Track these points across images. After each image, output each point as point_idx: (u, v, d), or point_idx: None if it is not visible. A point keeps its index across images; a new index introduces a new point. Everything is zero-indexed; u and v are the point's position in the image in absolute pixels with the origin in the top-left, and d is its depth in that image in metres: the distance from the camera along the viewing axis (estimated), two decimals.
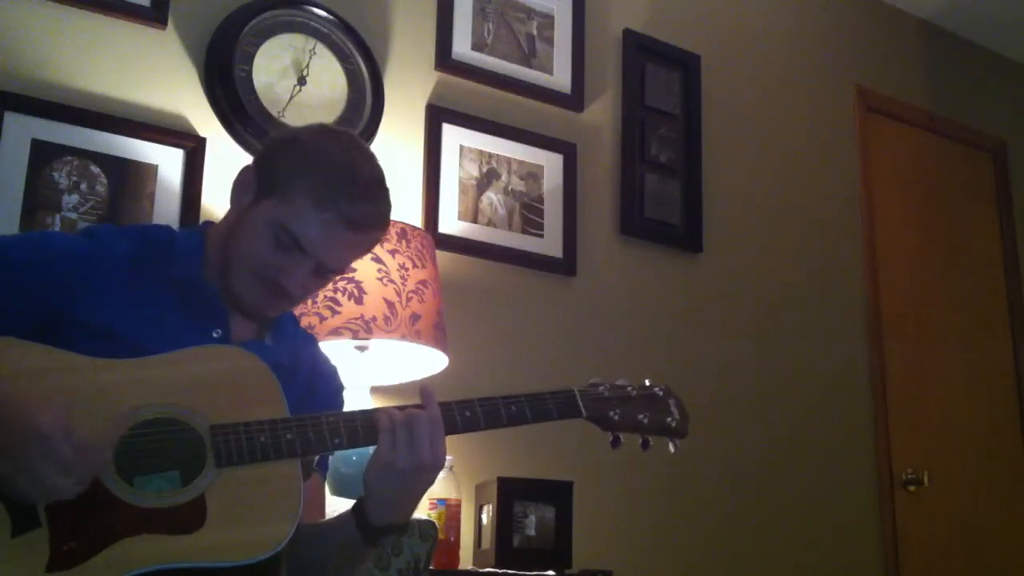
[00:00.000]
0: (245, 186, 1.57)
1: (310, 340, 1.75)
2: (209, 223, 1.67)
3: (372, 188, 1.56)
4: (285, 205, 1.50)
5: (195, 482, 1.34)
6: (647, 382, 1.63)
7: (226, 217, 1.61)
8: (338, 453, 2.12)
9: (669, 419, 1.62)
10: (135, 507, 1.31)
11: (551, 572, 2.41)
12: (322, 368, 1.69)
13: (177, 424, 1.37)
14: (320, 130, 1.64)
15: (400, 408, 1.46)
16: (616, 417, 1.57)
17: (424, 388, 1.47)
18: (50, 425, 1.22)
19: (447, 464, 2.40)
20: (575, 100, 3.15)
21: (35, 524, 1.27)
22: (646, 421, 1.59)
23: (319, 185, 1.50)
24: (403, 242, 2.32)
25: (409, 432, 1.42)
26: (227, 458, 1.36)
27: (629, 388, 1.61)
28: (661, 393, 1.63)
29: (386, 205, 1.59)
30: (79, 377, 1.35)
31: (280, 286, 1.53)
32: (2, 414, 1.24)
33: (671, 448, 1.62)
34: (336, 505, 1.71)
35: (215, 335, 1.52)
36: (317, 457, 1.54)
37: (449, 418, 1.47)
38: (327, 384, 1.68)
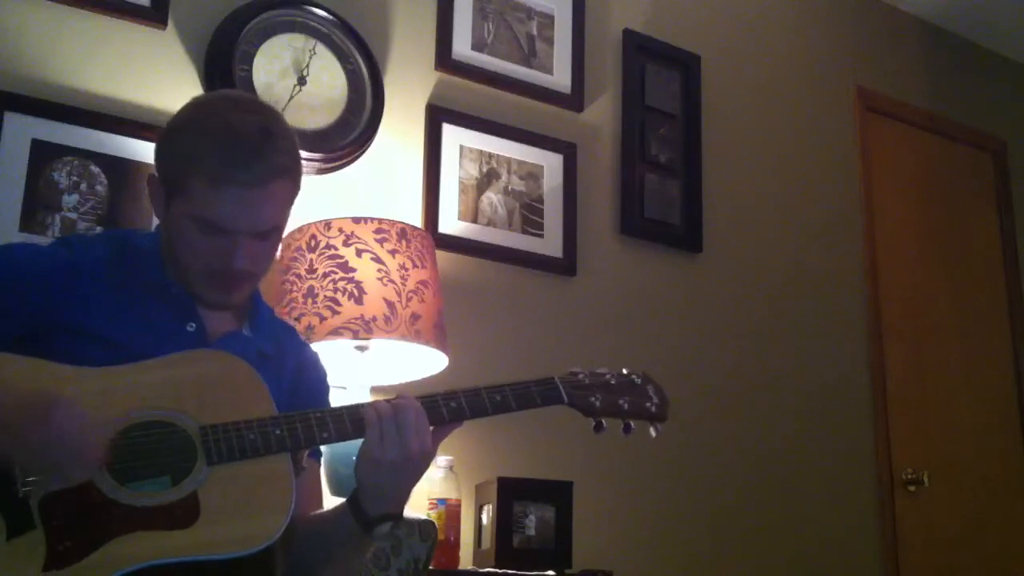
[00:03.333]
0: (155, 195, 1.58)
1: (291, 330, 1.78)
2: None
3: (258, 141, 1.48)
4: (189, 199, 1.49)
5: (187, 480, 1.35)
6: (625, 370, 1.68)
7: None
8: (336, 453, 2.13)
9: (649, 404, 1.66)
10: (129, 506, 1.31)
11: (551, 572, 2.41)
12: (307, 357, 1.72)
13: (167, 427, 1.38)
14: (193, 106, 1.58)
15: (386, 401, 1.48)
16: (597, 403, 1.61)
17: (402, 394, 1.50)
18: (61, 399, 1.28)
19: (447, 464, 2.43)
20: (575, 100, 3.15)
21: (30, 526, 1.27)
22: (626, 406, 1.63)
23: (207, 166, 1.47)
24: (403, 242, 2.32)
25: (396, 424, 1.45)
26: (218, 456, 1.37)
27: (608, 375, 1.65)
28: (639, 380, 1.67)
29: (280, 150, 1.51)
30: (67, 385, 1.36)
31: (231, 270, 1.52)
32: (10, 398, 1.29)
33: (652, 432, 1.66)
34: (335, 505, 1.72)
35: (189, 328, 1.54)
36: (306, 453, 1.55)
37: (435, 410, 1.50)
38: (314, 373, 1.71)
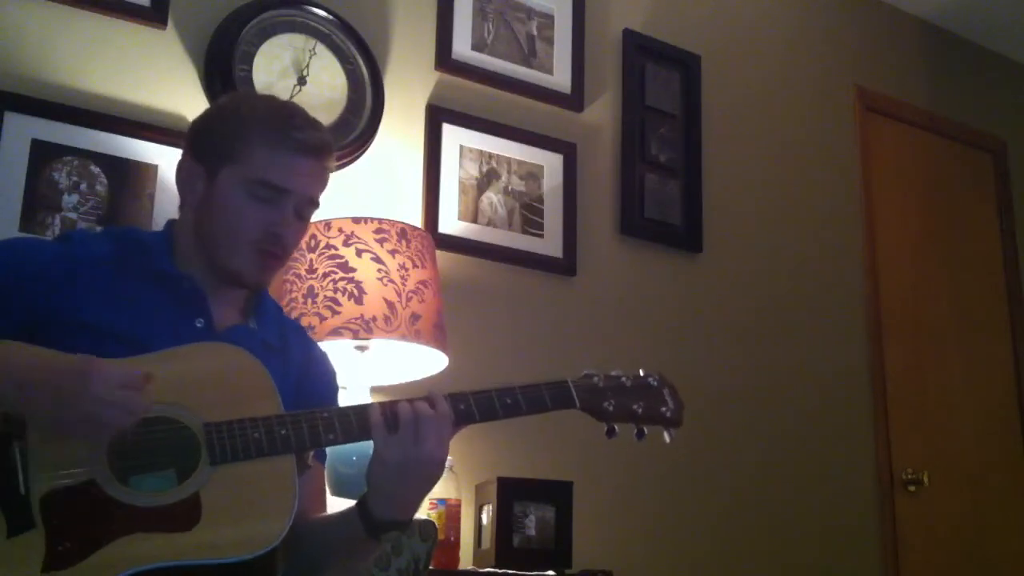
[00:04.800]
0: (191, 175, 1.60)
1: (299, 328, 1.78)
2: (172, 220, 1.69)
3: (309, 118, 1.62)
4: (246, 163, 1.55)
5: (190, 480, 1.34)
6: (641, 372, 1.63)
7: (183, 211, 1.64)
8: (338, 453, 2.13)
9: (664, 408, 1.60)
10: (130, 506, 1.31)
11: (551, 572, 2.41)
12: (314, 354, 1.72)
13: (171, 422, 1.37)
14: (232, 97, 1.73)
15: (409, 401, 1.46)
16: (610, 407, 1.56)
17: (432, 391, 1.48)
18: (98, 360, 1.29)
19: (448, 464, 2.41)
20: (575, 100, 3.15)
21: (30, 525, 1.27)
22: (640, 411, 1.58)
23: (265, 131, 1.56)
24: (403, 242, 2.32)
25: (415, 428, 1.42)
26: (221, 455, 1.36)
27: (623, 378, 1.60)
28: (655, 383, 1.62)
29: (328, 131, 1.66)
30: None
31: (278, 238, 1.56)
32: (43, 360, 1.30)
33: (666, 438, 1.60)
34: (336, 506, 1.71)
35: (198, 324, 1.54)
36: (312, 453, 1.54)
37: None
38: (322, 369, 1.71)
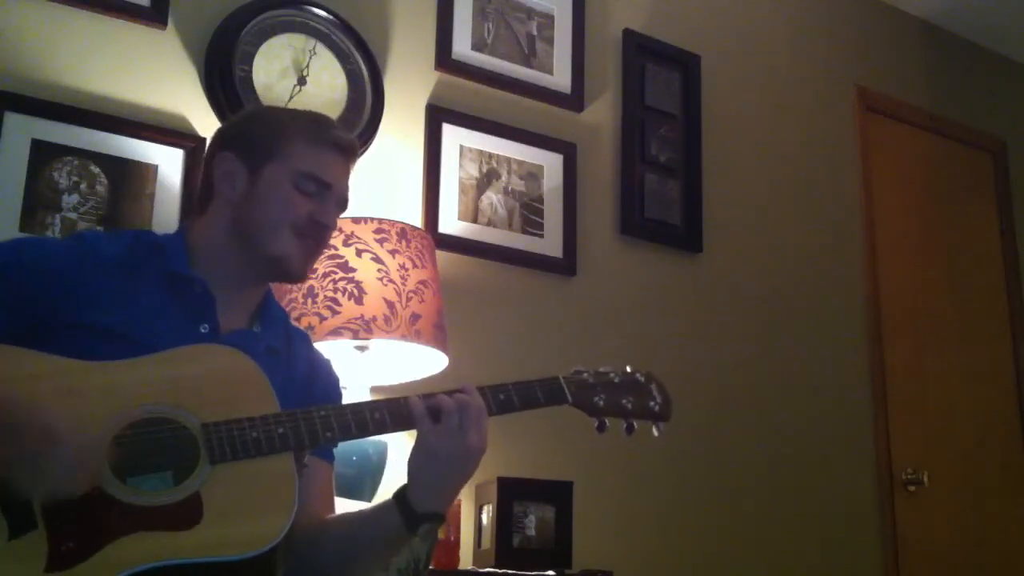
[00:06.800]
0: (232, 171, 1.62)
1: (304, 336, 1.78)
2: (184, 225, 1.70)
3: (334, 122, 1.74)
4: (290, 159, 1.60)
5: (190, 480, 1.35)
6: (629, 368, 1.68)
7: (214, 209, 1.64)
8: (337, 453, 2.12)
9: (652, 403, 1.66)
10: (132, 506, 1.31)
11: (551, 572, 2.41)
12: (319, 361, 1.73)
13: (169, 423, 1.37)
14: (261, 105, 1.87)
15: (447, 392, 1.50)
16: (601, 402, 1.62)
17: (466, 385, 1.53)
18: (58, 425, 1.27)
19: None
20: (575, 100, 3.15)
21: (32, 526, 1.27)
22: (630, 406, 1.64)
23: (304, 130, 1.63)
24: (403, 242, 2.32)
25: (458, 417, 1.47)
26: (220, 455, 1.37)
27: (612, 374, 1.66)
28: (643, 379, 1.68)
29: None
30: (71, 380, 1.36)
31: (321, 225, 1.61)
32: (12, 412, 1.27)
33: (655, 432, 1.66)
34: (338, 506, 1.71)
35: (202, 329, 1.54)
36: (308, 453, 1.54)
37: None
38: (327, 376, 1.72)
